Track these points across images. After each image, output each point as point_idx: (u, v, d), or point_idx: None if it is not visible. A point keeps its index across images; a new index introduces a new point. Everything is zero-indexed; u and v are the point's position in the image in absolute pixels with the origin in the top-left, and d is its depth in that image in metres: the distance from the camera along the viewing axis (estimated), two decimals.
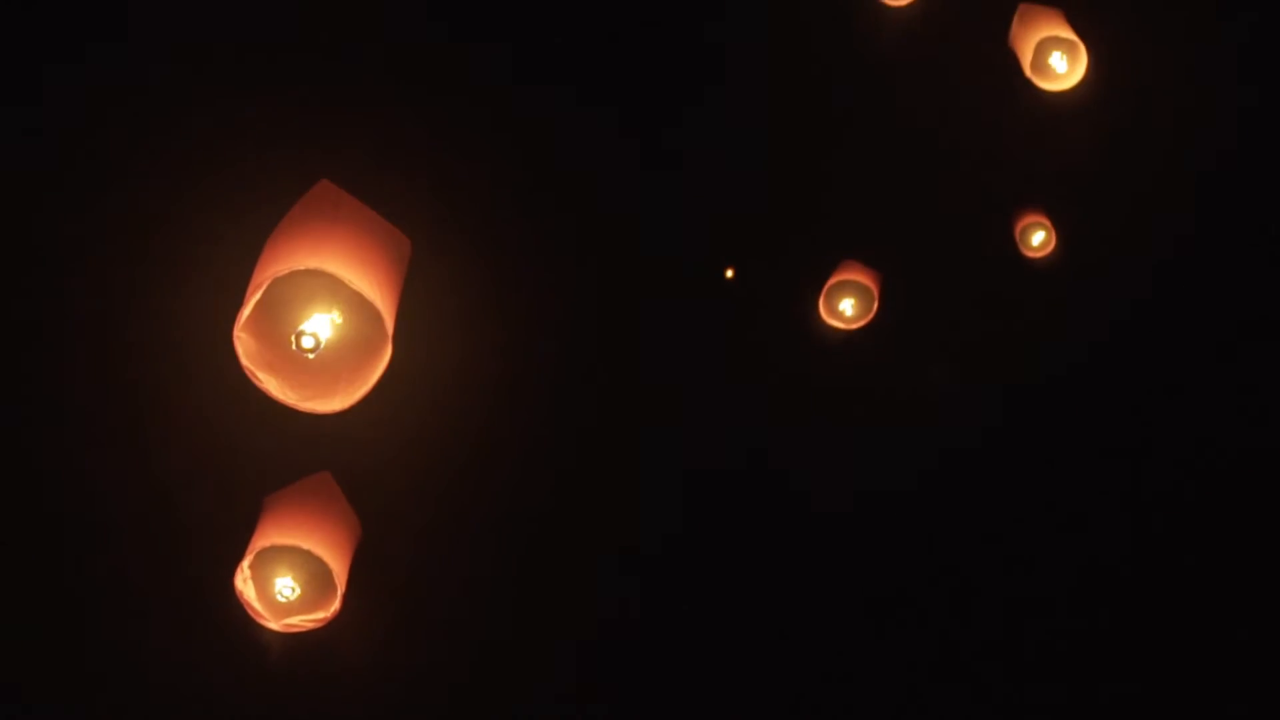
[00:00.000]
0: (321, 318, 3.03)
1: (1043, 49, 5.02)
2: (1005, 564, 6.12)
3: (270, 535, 4.08)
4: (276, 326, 3.00)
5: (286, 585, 4.11)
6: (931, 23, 5.36)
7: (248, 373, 2.92)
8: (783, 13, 5.41)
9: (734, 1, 5.36)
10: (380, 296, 3.03)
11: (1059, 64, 5.00)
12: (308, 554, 4.12)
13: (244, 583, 3.96)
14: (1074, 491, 6.16)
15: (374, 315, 3.02)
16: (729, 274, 5.87)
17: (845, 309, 5.53)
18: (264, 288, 2.87)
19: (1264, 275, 6.03)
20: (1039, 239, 5.92)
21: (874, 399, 5.89)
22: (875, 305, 5.51)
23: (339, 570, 4.15)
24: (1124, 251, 5.95)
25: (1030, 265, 5.91)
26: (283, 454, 4.18)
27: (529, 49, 4.93)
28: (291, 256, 2.93)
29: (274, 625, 3.99)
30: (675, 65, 5.29)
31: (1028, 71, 5.06)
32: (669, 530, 5.66)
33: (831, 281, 5.49)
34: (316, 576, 4.16)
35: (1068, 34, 4.98)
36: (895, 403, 5.91)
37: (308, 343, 2.98)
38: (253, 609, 3.97)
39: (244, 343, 2.90)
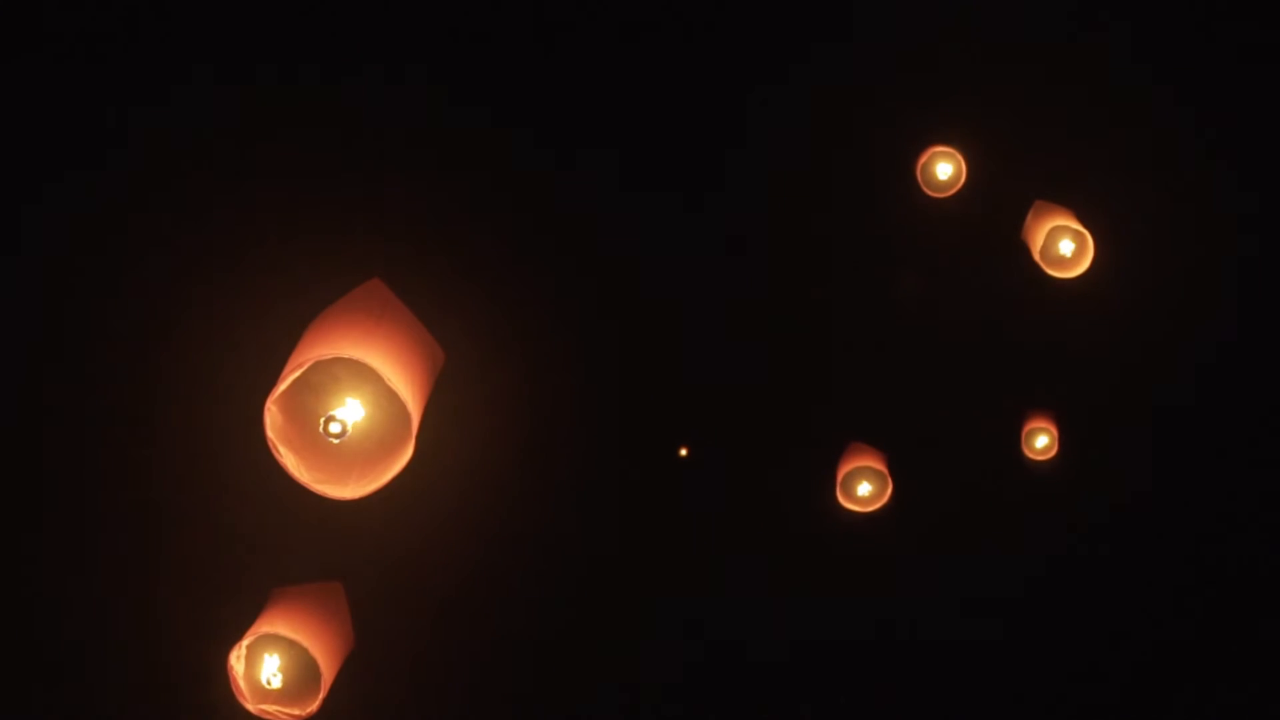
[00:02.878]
0: (353, 407, 3.05)
1: (1052, 237, 5.12)
2: None
3: (276, 625, 4.06)
4: (305, 408, 3.02)
5: (275, 675, 4.08)
6: (964, 216, 5.45)
7: (270, 445, 2.93)
8: (819, 191, 5.51)
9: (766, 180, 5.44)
10: (412, 398, 3.05)
11: (1066, 251, 5.08)
12: (304, 652, 4.10)
13: (237, 660, 3.93)
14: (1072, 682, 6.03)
15: (401, 415, 3.04)
16: (682, 452, 5.81)
17: (862, 492, 5.47)
18: (305, 368, 2.90)
19: (1264, 478, 5.94)
20: (1042, 443, 5.89)
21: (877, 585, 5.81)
22: (889, 489, 5.45)
23: (328, 676, 4.12)
24: (1123, 455, 5.90)
25: (1033, 468, 5.88)
26: (291, 535, 4.18)
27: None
28: (336, 344, 2.96)
29: (250, 707, 3.93)
30: (710, 230, 5.35)
31: (1036, 257, 5.14)
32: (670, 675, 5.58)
33: (849, 467, 5.44)
34: (304, 675, 4.13)
35: (1075, 225, 5.06)
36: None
37: (335, 428, 2.99)
38: (237, 686, 3.92)
39: (273, 416, 2.92)
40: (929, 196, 5.39)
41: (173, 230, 4.17)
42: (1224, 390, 5.89)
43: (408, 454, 3.04)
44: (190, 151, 4.16)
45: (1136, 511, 5.96)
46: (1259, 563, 6.00)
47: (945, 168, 5.39)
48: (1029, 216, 5.20)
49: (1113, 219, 5.17)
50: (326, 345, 2.95)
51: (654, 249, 5.24)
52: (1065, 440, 5.85)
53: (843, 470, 5.38)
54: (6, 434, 4.35)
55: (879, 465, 5.41)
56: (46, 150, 4.11)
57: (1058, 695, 6.03)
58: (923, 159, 5.43)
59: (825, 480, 5.40)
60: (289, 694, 4.08)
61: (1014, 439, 5.86)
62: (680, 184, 5.25)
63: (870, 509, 5.44)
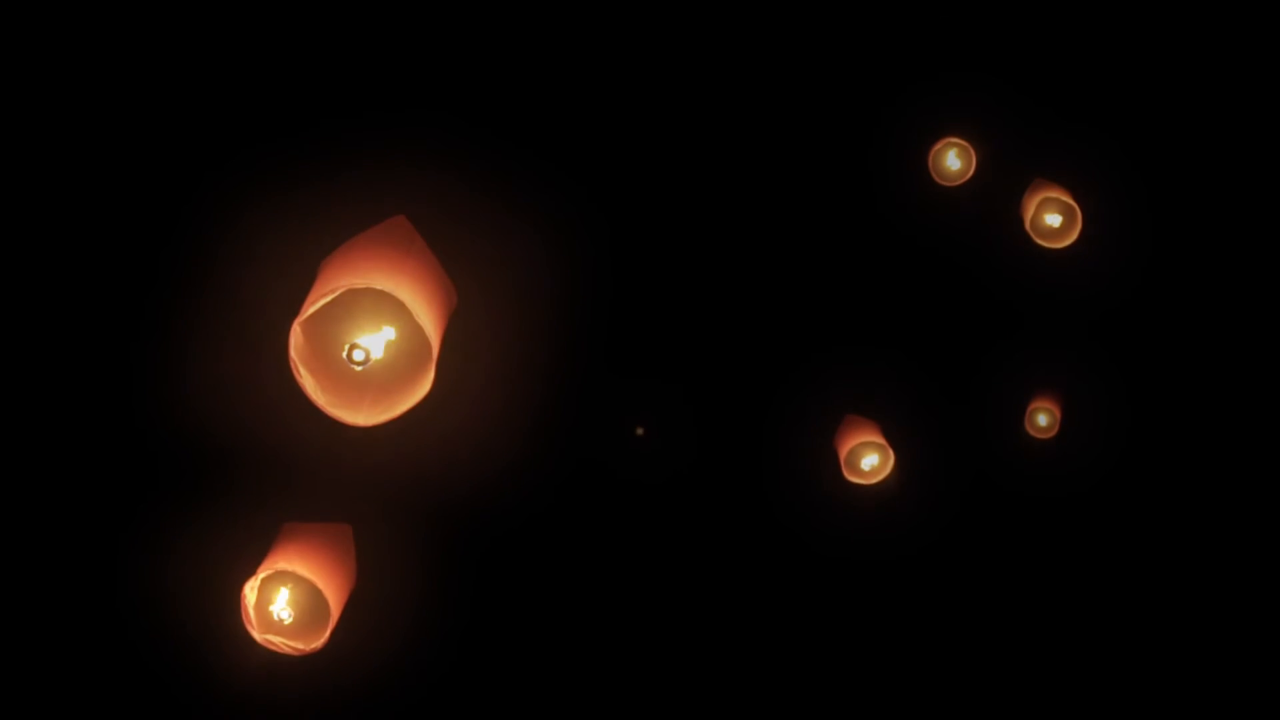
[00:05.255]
0: (379, 337, 3.04)
1: (1041, 209, 5.16)
2: None
3: (294, 562, 4.07)
4: (326, 334, 3.02)
5: (285, 609, 4.09)
6: (972, 204, 5.47)
7: (291, 364, 2.93)
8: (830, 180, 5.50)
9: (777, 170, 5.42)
10: (434, 334, 3.05)
11: (1054, 223, 5.16)
12: (314, 590, 4.11)
13: (251, 590, 3.94)
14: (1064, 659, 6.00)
15: (421, 350, 3.03)
16: (639, 431, 5.76)
17: (866, 465, 5.46)
18: (336, 294, 2.88)
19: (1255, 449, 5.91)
20: (1044, 421, 5.87)
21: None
22: (892, 461, 5.42)
23: (336, 615, 4.12)
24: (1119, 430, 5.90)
25: (1034, 445, 5.86)
26: (304, 473, 4.18)
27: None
28: (367, 274, 2.96)
29: (256, 635, 3.93)
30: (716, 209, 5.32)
31: (1028, 227, 5.17)
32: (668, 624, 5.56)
33: (853, 442, 5.42)
34: (312, 612, 4.13)
35: (1064, 197, 5.09)
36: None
37: (358, 355, 2.98)
38: (247, 615, 3.93)
39: (297, 337, 2.92)
40: (940, 186, 5.42)
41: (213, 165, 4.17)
42: (1217, 370, 5.88)
43: (424, 388, 3.04)
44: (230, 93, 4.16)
45: (1133, 483, 5.95)
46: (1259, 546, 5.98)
47: (955, 158, 5.43)
48: (1026, 193, 5.24)
49: (1110, 199, 5.20)
50: (356, 275, 2.95)
51: (653, 230, 5.22)
52: (1066, 419, 5.85)
53: (845, 446, 5.36)
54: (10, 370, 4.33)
55: (879, 438, 5.39)
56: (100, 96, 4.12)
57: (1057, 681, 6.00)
58: (934, 149, 5.45)
59: (828, 457, 5.40)
60: (295, 629, 4.09)
61: (1017, 418, 5.86)
62: (682, 174, 5.23)
63: (875, 481, 5.42)
